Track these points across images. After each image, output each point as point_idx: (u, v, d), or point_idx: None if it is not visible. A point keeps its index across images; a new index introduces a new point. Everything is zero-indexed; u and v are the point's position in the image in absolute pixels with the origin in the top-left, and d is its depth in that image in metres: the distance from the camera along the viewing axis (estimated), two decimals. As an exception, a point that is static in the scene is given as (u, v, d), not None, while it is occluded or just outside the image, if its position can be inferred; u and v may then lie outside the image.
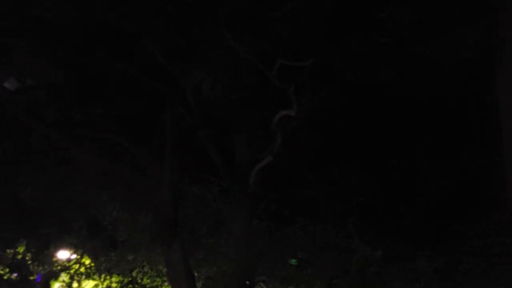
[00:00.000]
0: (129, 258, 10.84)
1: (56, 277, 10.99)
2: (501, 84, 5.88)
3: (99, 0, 6.86)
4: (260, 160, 8.86)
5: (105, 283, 11.18)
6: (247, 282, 10.57)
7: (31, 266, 10.60)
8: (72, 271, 10.94)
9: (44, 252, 10.54)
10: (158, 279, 11.20)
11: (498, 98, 5.93)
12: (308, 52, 6.67)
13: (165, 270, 10.39)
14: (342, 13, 6.49)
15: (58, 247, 10.83)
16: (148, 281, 11.24)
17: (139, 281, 11.15)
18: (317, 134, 8.83)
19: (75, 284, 11.06)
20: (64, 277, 11.05)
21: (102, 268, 10.98)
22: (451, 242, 10.71)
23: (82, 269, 10.99)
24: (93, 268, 11.04)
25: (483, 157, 8.76)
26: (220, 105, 7.96)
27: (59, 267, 10.90)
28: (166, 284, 11.16)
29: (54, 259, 10.95)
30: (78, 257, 10.99)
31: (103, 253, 10.66)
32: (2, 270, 10.39)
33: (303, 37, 6.28)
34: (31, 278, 10.65)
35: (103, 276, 11.10)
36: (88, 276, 11.13)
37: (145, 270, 11.11)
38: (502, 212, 9.09)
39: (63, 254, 11.06)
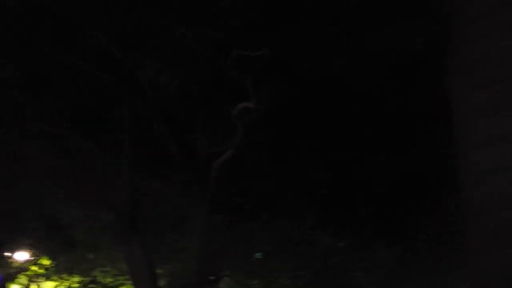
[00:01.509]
0: (90, 257, 10.62)
1: (12, 279, 10.66)
2: (453, 76, 5.91)
3: None
4: (221, 153, 8.79)
5: (66, 284, 10.92)
6: (212, 277, 10.50)
7: (-14, 269, 10.26)
8: (30, 273, 10.64)
9: (-1, 254, 10.22)
10: (120, 277, 11.01)
11: (449, 90, 5.96)
12: (261, 43, 6.63)
13: (127, 268, 10.20)
14: (289, 3, 6.48)
15: (14, 249, 10.50)
16: (111, 280, 11.04)
17: (101, 280, 10.95)
18: (277, 126, 8.81)
19: (33, 286, 10.75)
20: (22, 279, 10.73)
21: (61, 268, 10.72)
22: (408, 231, 10.99)
23: (41, 270, 10.71)
24: (52, 269, 10.76)
25: (433, 149, 9.01)
26: (178, 98, 7.83)
27: (15, 269, 10.57)
28: (129, 282, 10.97)
29: (10, 260, 10.61)
30: (36, 258, 10.68)
31: (62, 253, 10.41)
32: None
33: (254, 26, 6.24)
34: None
35: (63, 276, 10.84)
36: (47, 277, 10.84)
37: (106, 269, 10.91)
38: (454, 203, 9.37)
39: (20, 256, 10.72)
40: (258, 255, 11.90)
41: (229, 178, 9.59)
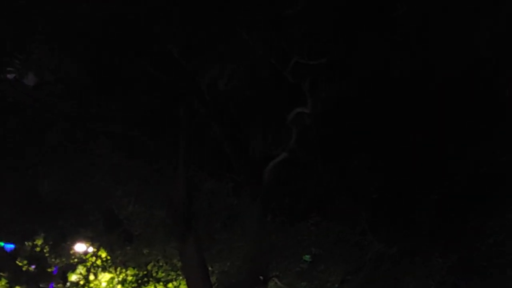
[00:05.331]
0: (145, 252, 10.94)
1: (73, 269, 11.15)
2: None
3: None
4: (275, 156, 8.91)
5: (121, 276, 11.31)
6: (261, 277, 10.61)
7: (48, 258, 10.77)
8: (88, 264, 11.09)
9: (61, 245, 10.71)
10: (172, 272, 11.27)
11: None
12: (322, 50, 6.71)
13: (180, 264, 10.47)
14: (354, 12, 6.53)
15: (75, 240, 10.98)
16: (163, 274, 11.33)
17: (154, 274, 11.26)
18: (330, 129, 8.83)
19: (91, 277, 11.20)
20: (81, 269, 11.21)
21: (118, 261, 11.11)
22: (465, 238, 10.66)
23: (99, 262, 11.12)
24: (109, 261, 11.17)
25: (495, 154, 8.73)
26: (235, 100, 8.01)
27: (76, 260, 11.05)
28: (180, 278, 11.24)
29: (71, 251, 11.10)
30: (95, 250, 11.13)
31: (119, 246, 10.79)
32: (20, 262, 10.58)
33: (316, 35, 6.33)
34: (49, 270, 10.83)
35: (118, 269, 11.23)
36: (104, 269, 11.26)
37: (160, 264, 11.21)
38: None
39: (80, 247, 11.21)
40: (306, 257, 11.87)
41: (281, 179, 9.68)
